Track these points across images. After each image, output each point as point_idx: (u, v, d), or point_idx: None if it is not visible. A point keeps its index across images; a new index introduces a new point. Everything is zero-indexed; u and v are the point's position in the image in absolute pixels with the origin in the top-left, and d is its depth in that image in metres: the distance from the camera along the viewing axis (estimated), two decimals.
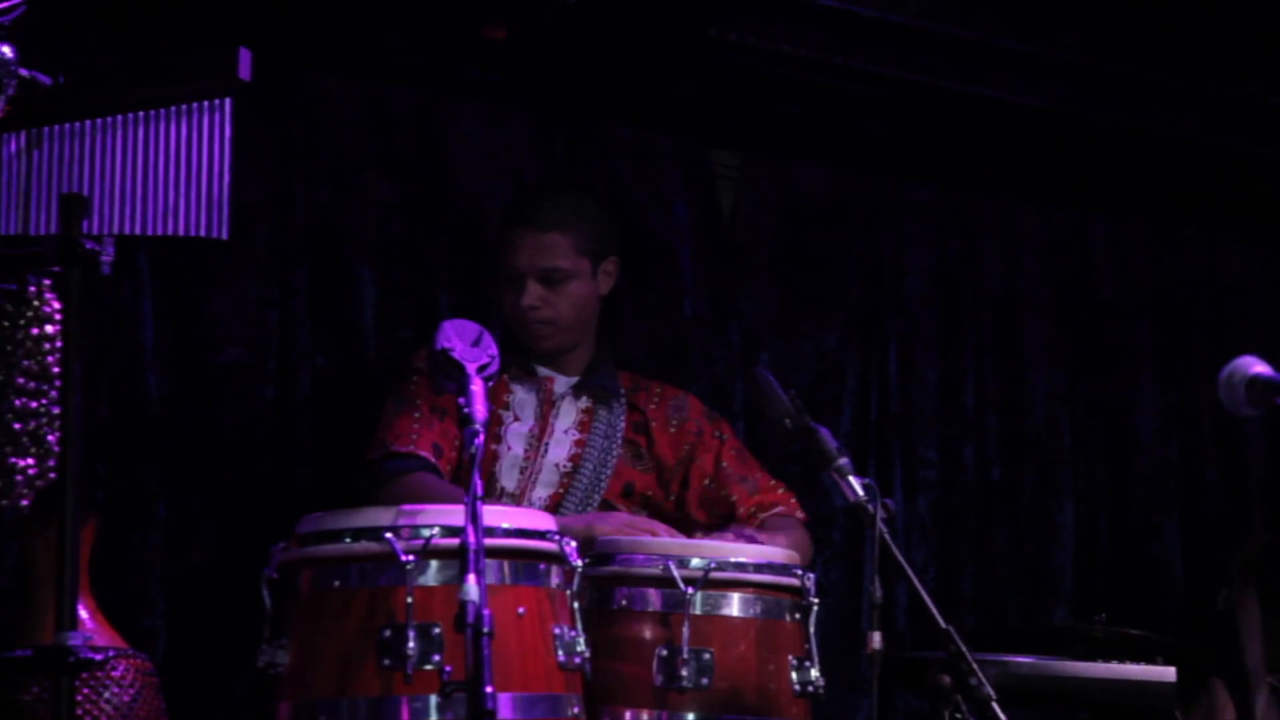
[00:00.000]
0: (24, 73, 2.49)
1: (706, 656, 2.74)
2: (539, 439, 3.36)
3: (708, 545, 2.91)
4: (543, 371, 3.42)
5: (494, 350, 2.74)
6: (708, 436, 3.47)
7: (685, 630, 2.71)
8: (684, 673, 2.71)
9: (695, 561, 2.79)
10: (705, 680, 2.73)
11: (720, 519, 3.39)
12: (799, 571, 2.88)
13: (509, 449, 3.33)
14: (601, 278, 3.42)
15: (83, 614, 2.65)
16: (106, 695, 2.61)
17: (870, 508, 2.74)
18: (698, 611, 2.75)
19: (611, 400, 3.43)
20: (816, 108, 4.13)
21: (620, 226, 3.55)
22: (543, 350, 3.39)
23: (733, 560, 2.82)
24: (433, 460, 3.22)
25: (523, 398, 3.39)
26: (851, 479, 2.79)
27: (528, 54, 3.79)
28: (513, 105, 3.96)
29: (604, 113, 4.07)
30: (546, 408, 3.40)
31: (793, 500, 3.42)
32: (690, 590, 2.73)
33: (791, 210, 4.34)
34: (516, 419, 3.36)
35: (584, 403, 3.42)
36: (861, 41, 3.92)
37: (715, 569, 2.77)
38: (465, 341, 2.71)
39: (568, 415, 3.41)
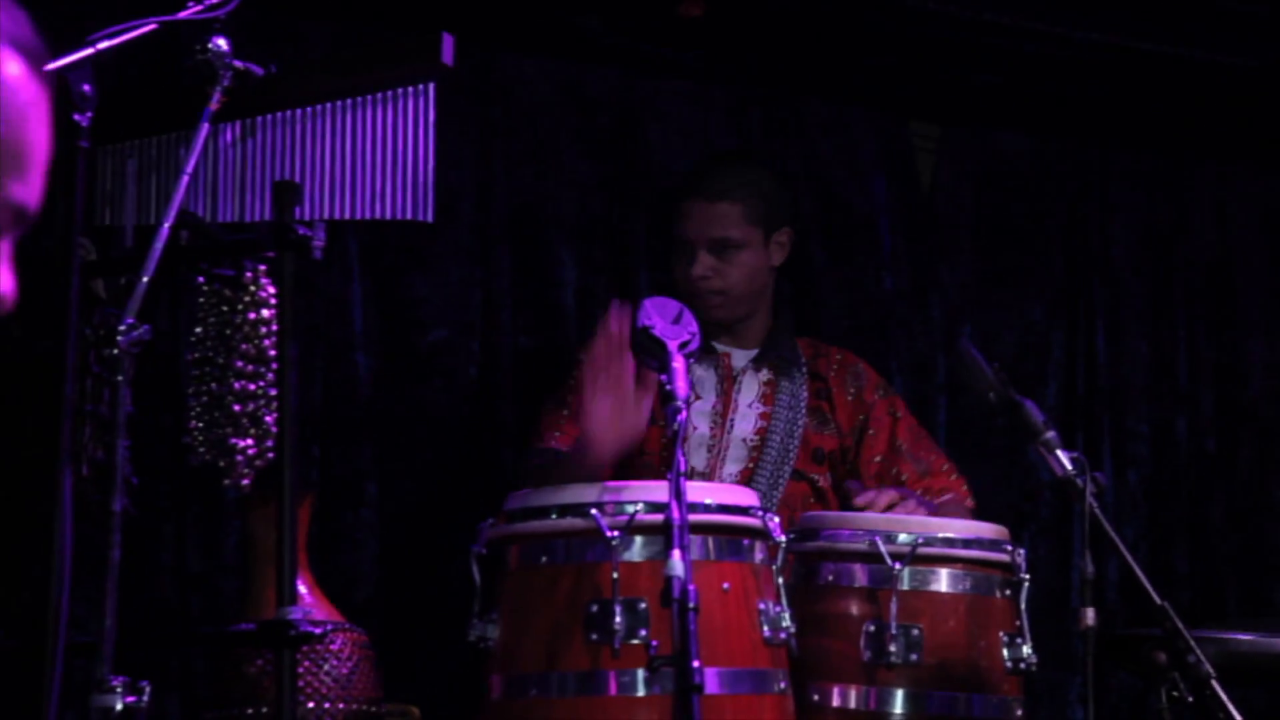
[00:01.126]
0: (238, 64, 2.57)
1: (915, 632, 2.71)
2: (723, 415, 3.37)
3: (915, 520, 2.87)
4: (720, 347, 3.42)
5: (694, 327, 2.74)
6: (881, 412, 3.43)
7: (893, 606, 2.68)
8: (893, 649, 2.68)
9: (902, 537, 2.75)
10: (915, 656, 2.70)
11: None
12: (1009, 547, 2.83)
13: (694, 428, 3.34)
14: (774, 248, 3.42)
15: (302, 589, 2.72)
16: (326, 668, 2.68)
17: (1079, 482, 2.68)
18: (905, 587, 2.72)
19: (792, 369, 3.42)
20: (1018, 75, 4.04)
21: (795, 198, 3.54)
22: (714, 320, 3.38)
23: (940, 535, 2.78)
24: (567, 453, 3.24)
25: (701, 375, 3.39)
26: (1060, 453, 2.73)
27: (724, 31, 3.78)
28: (709, 82, 3.95)
29: (800, 87, 4.04)
30: (727, 384, 3.40)
31: (964, 487, 3.37)
32: (898, 566, 2.70)
33: (992, 180, 4.26)
34: (698, 397, 3.36)
35: (765, 375, 3.42)
36: (1064, 6, 3.82)
37: (923, 544, 2.74)
38: (666, 319, 2.72)
39: (750, 389, 3.40)
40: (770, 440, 3.34)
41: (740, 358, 3.43)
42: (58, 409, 2.30)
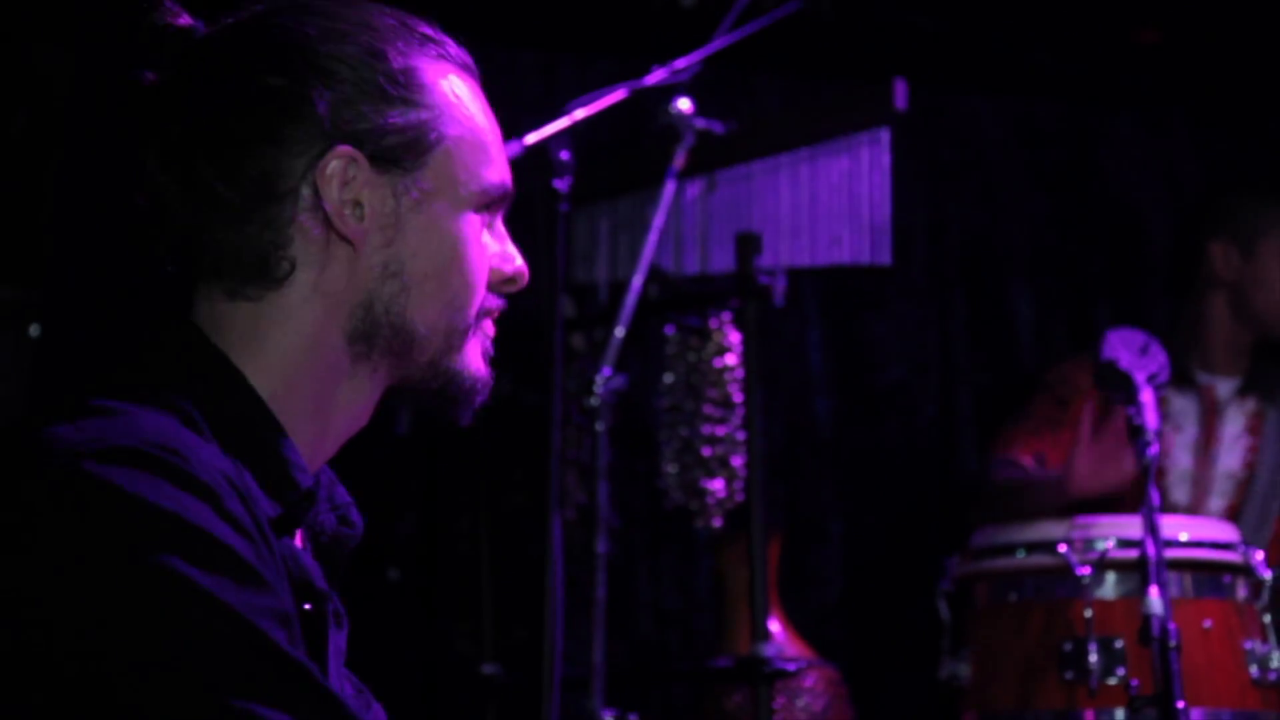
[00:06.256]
0: (700, 124, 2.69)
1: None
2: (1205, 448, 3.24)
3: None
4: (1203, 379, 3.29)
5: (1162, 359, 2.66)
6: None
7: None
8: None
9: None
10: None
11: None
12: None
13: (1175, 463, 3.23)
14: None
15: (774, 626, 2.80)
16: (800, 704, 2.74)
17: None
18: None
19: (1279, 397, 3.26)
20: None
21: None
22: None
23: None
24: (1028, 466, 3.19)
25: (1181, 406, 3.28)
26: None
27: (1183, 54, 3.67)
28: (1167, 108, 3.84)
29: (1271, 107, 3.87)
30: (1210, 415, 3.27)
31: None
32: None
33: None
34: (1177, 429, 3.25)
35: (1250, 405, 3.27)
36: None
37: None
38: (1132, 351, 2.65)
39: (1235, 420, 3.26)
40: (1259, 473, 3.20)
41: (1224, 388, 3.30)
42: (545, 457, 2.46)
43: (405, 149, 1.28)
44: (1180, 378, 3.28)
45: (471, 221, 1.32)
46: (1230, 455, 3.24)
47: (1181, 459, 3.24)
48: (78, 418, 1.17)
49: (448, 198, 1.30)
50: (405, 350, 1.30)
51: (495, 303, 1.36)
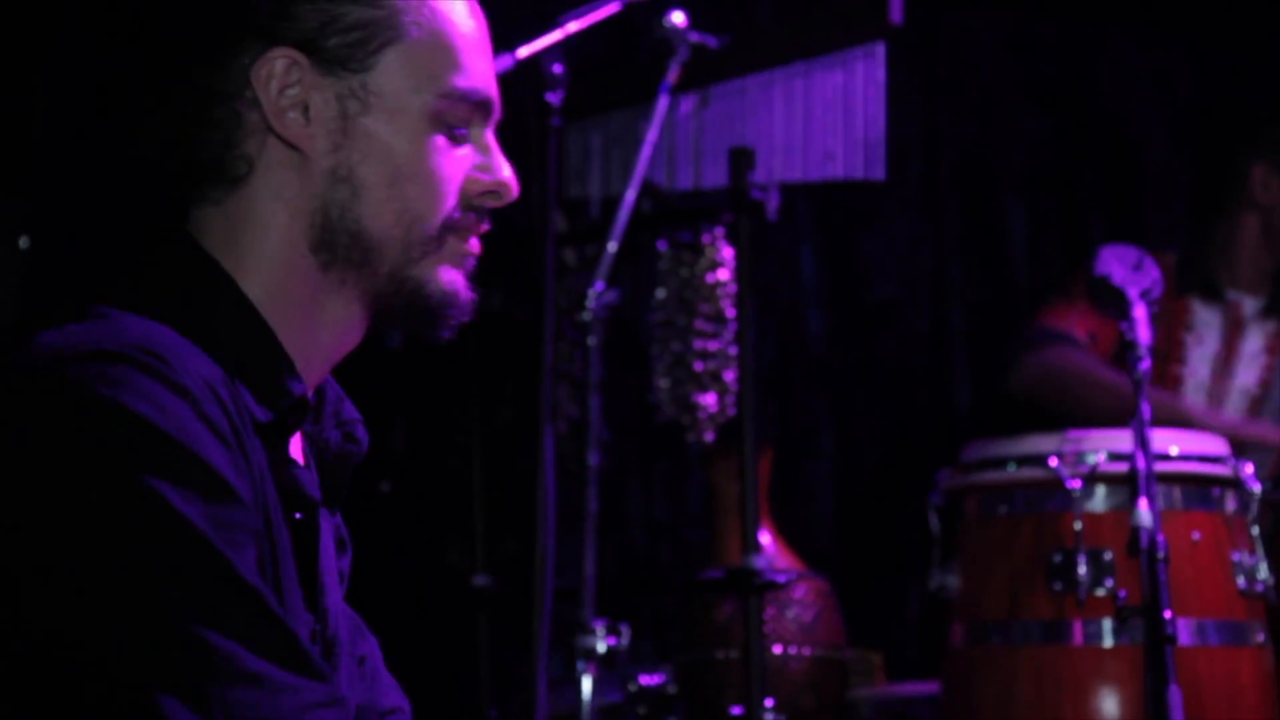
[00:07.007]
0: (694, 38, 2.67)
1: None
2: (1225, 362, 3.26)
3: None
4: (1231, 295, 3.30)
5: (1156, 274, 2.66)
6: None
7: None
8: None
9: None
10: None
11: None
12: None
13: (1193, 373, 3.25)
14: None
15: (764, 539, 2.82)
16: (790, 615, 2.76)
17: None
18: None
19: None
20: None
21: None
22: None
23: None
24: (1083, 342, 3.18)
25: (1206, 319, 3.29)
26: None
27: None
28: (1164, 24, 3.82)
29: (1268, 24, 3.85)
30: (1233, 331, 3.28)
31: None
32: None
33: None
34: (1199, 341, 3.27)
35: (1272, 325, 3.29)
36: None
37: None
38: (1125, 266, 2.65)
39: (1256, 337, 3.28)
40: (1273, 392, 3.23)
41: (1250, 305, 3.31)
42: (536, 371, 2.47)
43: (351, 49, 1.24)
44: (1209, 290, 3.28)
45: (434, 127, 1.27)
46: (1248, 371, 3.26)
47: (1200, 369, 3.26)
48: (67, 324, 1.16)
49: (403, 102, 1.26)
50: (364, 260, 1.26)
51: (470, 217, 1.30)
